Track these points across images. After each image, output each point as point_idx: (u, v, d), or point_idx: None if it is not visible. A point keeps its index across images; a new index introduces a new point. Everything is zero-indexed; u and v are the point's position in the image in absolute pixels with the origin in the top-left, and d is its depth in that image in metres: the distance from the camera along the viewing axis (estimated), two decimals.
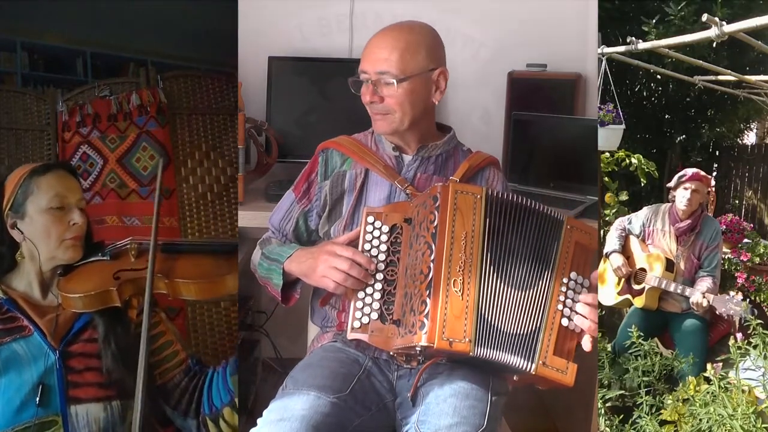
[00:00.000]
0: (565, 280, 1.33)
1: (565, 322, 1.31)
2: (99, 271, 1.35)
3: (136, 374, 1.21)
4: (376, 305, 1.34)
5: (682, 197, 2.37)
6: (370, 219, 1.39)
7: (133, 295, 1.33)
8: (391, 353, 1.36)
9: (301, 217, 1.57)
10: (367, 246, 1.37)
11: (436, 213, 1.29)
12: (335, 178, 1.53)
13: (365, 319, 1.33)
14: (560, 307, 1.31)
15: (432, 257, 1.26)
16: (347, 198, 1.51)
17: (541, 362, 1.27)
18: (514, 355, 1.27)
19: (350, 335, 1.35)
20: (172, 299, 1.33)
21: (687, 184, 2.37)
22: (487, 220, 1.30)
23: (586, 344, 1.30)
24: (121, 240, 1.42)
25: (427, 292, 1.25)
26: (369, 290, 1.35)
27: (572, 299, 1.33)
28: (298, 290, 1.51)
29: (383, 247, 1.37)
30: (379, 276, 1.35)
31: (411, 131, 1.50)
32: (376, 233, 1.38)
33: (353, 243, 1.39)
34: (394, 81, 1.41)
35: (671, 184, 2.44)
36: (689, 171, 2.40)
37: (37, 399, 1.23)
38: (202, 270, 1.32)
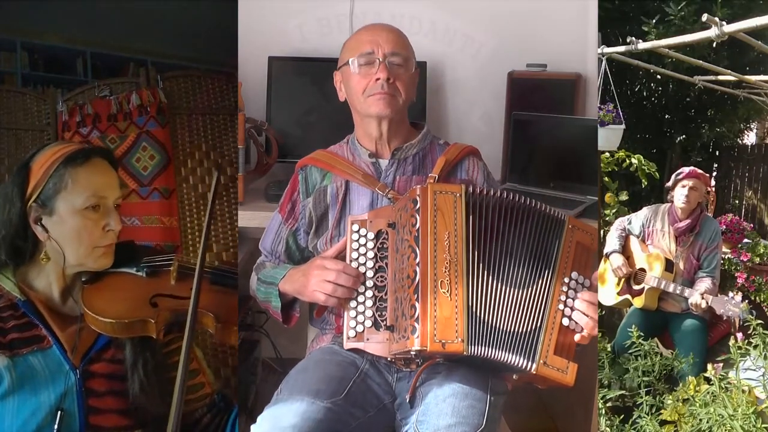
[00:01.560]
0: (566, 280, 1.33)
1: (566, 321, 1.30)
2: (132, 289, 1.19)
3: (161, 402, 1.12)
4: (369, 312, 1.33)
5: (680, 195, 2.37)
6: (355, 227, 1.38)
7: (170, 324, 1.15)
8: (389, 358, 1.35)
9: (290, 237, 1.57)
10: (355, 254, 1.37)
11: (416, 216, 1.28)
12: (317, 194, 1.53)
13: (360, 328, 1.33)
14: (561, 306, 1.31)
15: (417, 261, 1.26)
16: (331, 212, 1.51)
17: (542, 362, 1.27)
18: (514, 353, 1.27)
19: (347, 345, 1.34)
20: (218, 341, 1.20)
21: (684, 182, 2.37)
22: (470, 217, 1.30)
23: (578, 337, 1.30)
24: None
25: (416, 296, 1.24)
26: (360, 298, 1.34)
27: (573, 299, 1.32)
28: (297, 309, 1.52)
29: (370, 254, 1.36)
30: (369, 283, 1.35)
31: (394, 125, 1.51)
32: (362, 241, 1.37)
33: (342, 253, 1.39)
34: (411, 60, 1.47)
35: (669, 183, 2.44)
36: (686, 169, 2.40)
37: (56, 427, 1.10)
38: None
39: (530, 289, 1.31)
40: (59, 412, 1.11)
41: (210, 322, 1.14)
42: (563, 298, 1.32)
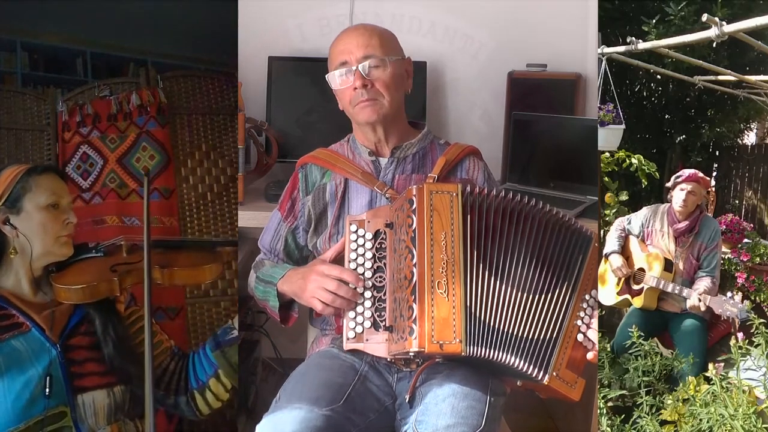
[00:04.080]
0: (586, 297, 1.33)
1: (580, 337, 1.30)
2: (95, 266, 1.40)
3: (133, 361, 1.34)
4: (368, 313, 1.32)
5: (677, 198, 2.37)
6: (353, 227, 1.38)
7: (126, 288, 1.39)
8: (389, 359, 1.35)
9: (289, 235, 1.57)
10: (353, 255, 1.36)
11: (413, 216, 1.28)
12: (316, 192, 1.53)
13: (359, 329, 1.32)
14: (579, 322, 1.31)
15: (414, 261, 1.25)
16: (330, 210, 1.51)
17: (554, 373, 1.26)
18: (525, 360, 1.26)
19: (347, 346, 1.33)
20: (167, 287, 1.41)
21: (683, 185, 2.37)
22: (468, 217, 1.29)
23: (591, 356, 1.31)
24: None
25: (413, 297, 1.23)
26: (359, 299, 1.34)
27: (589, 316, 1.32)
28: (295, 309, 1.51)
29: (369, 255, 1.36)
30: (368, 284, 1.34)
31: (390, 125, 1.50)
32: (360, 241, 1.37)
33: (341, 254, 1.38)
34: (387, 59, 1.44)
35: (669, 184, 2.44)
36: (686, 172, 2.39)
37: (47, 390, 1.27)
38: (191, 260, 1.43)
39: (544, 296, 1.30)
40: (48, 378, 1.28)
41: (157, 273, 1.37)
42: (581, 314, 1.31)
